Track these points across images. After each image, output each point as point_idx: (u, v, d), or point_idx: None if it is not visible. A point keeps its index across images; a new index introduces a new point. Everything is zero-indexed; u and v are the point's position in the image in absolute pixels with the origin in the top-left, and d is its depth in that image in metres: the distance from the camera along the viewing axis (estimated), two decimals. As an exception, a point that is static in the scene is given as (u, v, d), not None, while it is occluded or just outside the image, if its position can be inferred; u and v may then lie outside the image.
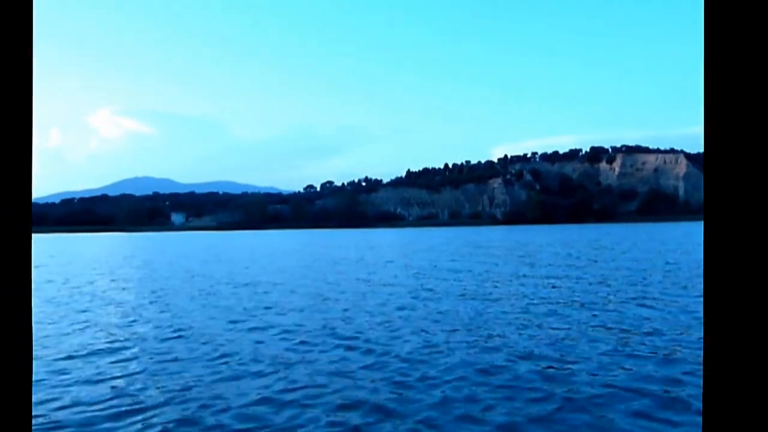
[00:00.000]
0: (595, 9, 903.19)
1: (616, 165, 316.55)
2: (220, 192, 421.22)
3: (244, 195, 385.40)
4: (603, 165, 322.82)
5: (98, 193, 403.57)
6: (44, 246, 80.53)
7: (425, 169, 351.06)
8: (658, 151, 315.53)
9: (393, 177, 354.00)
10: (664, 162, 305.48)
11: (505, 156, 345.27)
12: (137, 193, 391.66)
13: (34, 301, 5.77)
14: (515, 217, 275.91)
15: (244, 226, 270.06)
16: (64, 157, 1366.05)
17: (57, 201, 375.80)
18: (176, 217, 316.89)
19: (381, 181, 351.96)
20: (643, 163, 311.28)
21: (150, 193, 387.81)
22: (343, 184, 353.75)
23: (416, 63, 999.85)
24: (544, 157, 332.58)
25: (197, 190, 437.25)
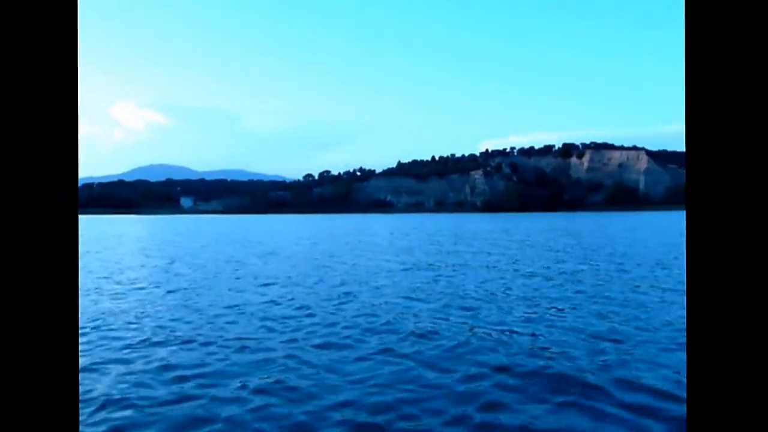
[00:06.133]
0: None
1: (585, 160, 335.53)
2: (229, 179, 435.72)
3: (250, 182, 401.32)
4: (573, 160, 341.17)
5: (115, 179, 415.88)
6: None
7: (414, 161, 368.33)
8: (622, 147, 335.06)
9: (385, 167, 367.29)
10: (627, 158, 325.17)
11: (487, 150, 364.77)
12: (153, 179, 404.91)
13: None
14: (494, 205, 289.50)
15: (249, 210, 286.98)
16: (91, 147, 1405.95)
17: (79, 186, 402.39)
18: (185, 201, 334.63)
19: (374, 171, 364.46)
20: (609, 159, 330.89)
21: (164, 179, 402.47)
22: (339, 173, 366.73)
23: (416, 59, 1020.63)
24: (522, 151, 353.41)
25: (210, 177, 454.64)
